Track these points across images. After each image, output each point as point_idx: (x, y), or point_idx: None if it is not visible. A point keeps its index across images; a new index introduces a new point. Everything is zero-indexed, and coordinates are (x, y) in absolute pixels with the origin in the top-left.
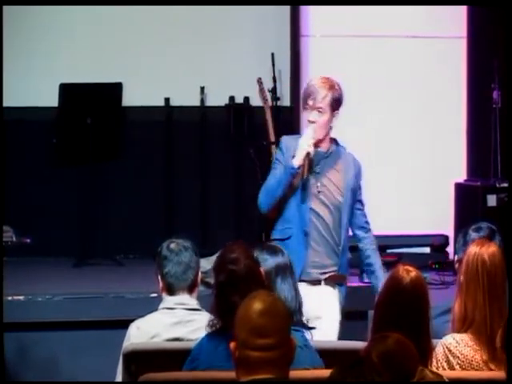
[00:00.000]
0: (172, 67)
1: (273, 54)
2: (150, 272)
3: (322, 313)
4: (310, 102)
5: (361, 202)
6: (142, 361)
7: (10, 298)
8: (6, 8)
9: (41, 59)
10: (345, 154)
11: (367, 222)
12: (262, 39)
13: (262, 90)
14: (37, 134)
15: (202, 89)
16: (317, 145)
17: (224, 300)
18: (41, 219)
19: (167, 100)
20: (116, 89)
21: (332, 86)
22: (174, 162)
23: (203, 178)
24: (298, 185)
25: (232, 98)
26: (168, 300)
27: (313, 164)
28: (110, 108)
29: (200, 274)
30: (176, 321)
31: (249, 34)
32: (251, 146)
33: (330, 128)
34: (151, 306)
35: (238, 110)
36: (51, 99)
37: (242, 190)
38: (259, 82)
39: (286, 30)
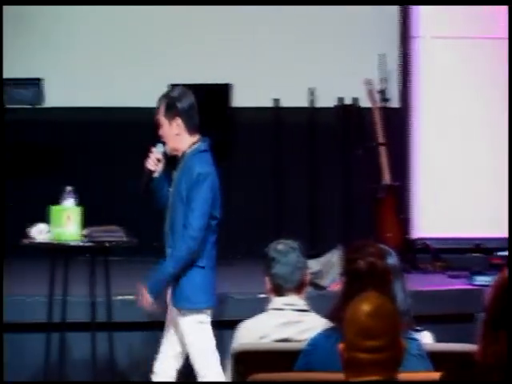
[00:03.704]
0: (281, 68)
1: (382, 55)
2: (259, 272)
3: None
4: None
5: (190, 209)
6: (251, 361)
7: (119, 297)
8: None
9: (150, 60)
10: (191, 159)
11: (185, 229)
12: (371, 40)
13: (370, 91)
14: (145, 135)
15: (311, 90)
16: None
17: (357, 288)
18: (146, 219)
19: (276, 101)
20: (225, 90)
21: (166, 95)
22: (283, 162)
23: (312, 178)
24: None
25: (341, 99)
26: (276, 301)
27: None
28: (219, 109)
29: (308, 274)
30: (284, 321)
31: (358, 35)
32: (360, 147)
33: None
34: (260, 306)
35: (347, 111)
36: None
37: (350, 190)
38: (368, 83)
39: (396, 30)
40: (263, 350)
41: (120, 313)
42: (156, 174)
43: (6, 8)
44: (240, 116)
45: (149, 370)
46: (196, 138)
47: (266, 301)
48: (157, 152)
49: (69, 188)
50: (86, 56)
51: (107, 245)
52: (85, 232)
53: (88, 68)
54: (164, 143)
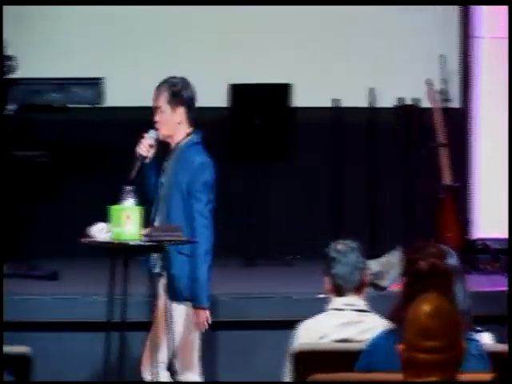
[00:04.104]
0: (341, 68)
1: (442, 56)
2: (318, 273)
3: None
4: (153, 103)
5: (196, 199)
6: (310, 361)
7: None
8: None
9: (210, 59)
10: (188, 150)
11: (194, 220)
12: (431, 40)
13: (431, 92)
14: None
15: (371, 90)
16: (166, 141)
17: (418, 289)
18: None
19: (336, 101)
20: (285, 90)
21: (169, 81)
22: (343, 162)
23: (371, 178)
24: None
25: (401, 100)
26: (336, 301)
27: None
28: (278, 109)
29: (368, 275)
30: (344, 322)
31: (418, 35)
32: (421, 148)
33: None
34: (319, 306)
35: (407, 112)
36: (220, 99)
37: (411, 191)
38: (428, 83)
39: (456, 31)
40: (323, 350)
41: None
42: (147, 160)
43: (5, 8)
44: (300, 116)
45: (202, 367)
46: (191, 129)
47: (326, 301)
48: (149, 138)
49: (128, 188)
50: (86, 56)
51: (166, 244)
52: (144, 232)
53: (87, 68)
54: (156, 129)
